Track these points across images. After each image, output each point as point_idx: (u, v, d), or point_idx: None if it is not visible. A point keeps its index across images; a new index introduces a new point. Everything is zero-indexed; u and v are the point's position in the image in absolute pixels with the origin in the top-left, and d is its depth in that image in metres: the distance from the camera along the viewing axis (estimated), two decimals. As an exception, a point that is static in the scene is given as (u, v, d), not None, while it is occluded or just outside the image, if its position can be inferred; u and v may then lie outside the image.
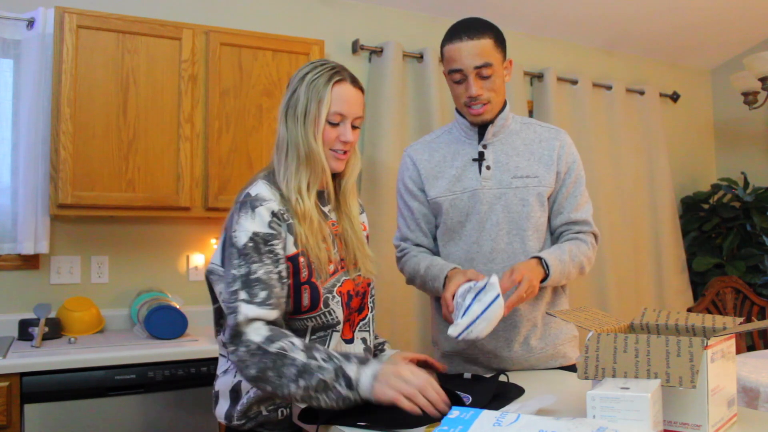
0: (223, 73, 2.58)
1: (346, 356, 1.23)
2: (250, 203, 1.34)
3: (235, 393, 1.39)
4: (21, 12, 2.50)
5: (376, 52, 3.16)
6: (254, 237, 1.30)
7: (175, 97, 2.50)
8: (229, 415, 1.39)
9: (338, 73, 1.39)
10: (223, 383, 1.43)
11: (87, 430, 2.04)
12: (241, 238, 1.31)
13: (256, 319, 1.25)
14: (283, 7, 3.06)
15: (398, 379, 1.17)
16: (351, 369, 1.20)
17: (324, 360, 1.20)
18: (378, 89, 3.11)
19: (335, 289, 1.39)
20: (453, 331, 1.40)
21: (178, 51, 2.51)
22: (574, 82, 3.74)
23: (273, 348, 1.21)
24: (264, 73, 2.64)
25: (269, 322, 1.27)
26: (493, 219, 1.67)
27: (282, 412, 1.38)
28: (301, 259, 1.34)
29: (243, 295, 1.26)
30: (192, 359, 2.19)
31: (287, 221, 1.35)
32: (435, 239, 1.80)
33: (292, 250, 1.34)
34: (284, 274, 1.32)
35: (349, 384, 1.18)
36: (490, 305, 1.37)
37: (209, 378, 2.15)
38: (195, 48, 2.54)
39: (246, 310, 1.25)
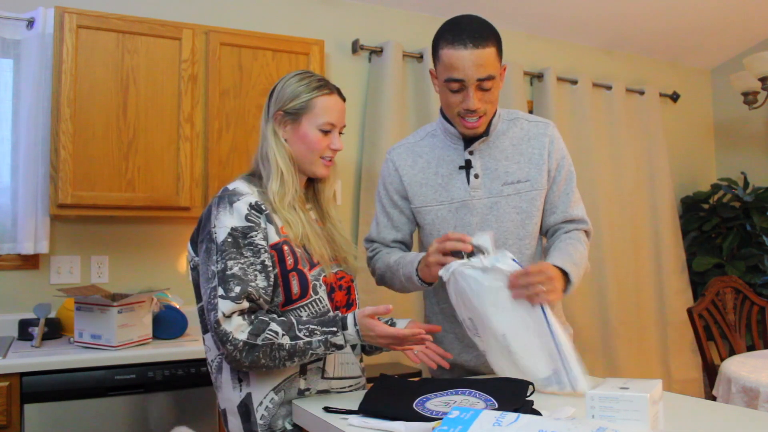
0: (223, 73, 2.58)
1: (325, 323, 1.32)
2: (228, 198, 1.36)
3: (245, 407, 1.37)
4: (21, 12, 2.50)
5: (376, 52, 3.16)
6: (233, 232, 1.32)
7: (175, 97, 2.50)
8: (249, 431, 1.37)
9: (326, 86, 1.46)
10: (227, 401, 1.41)
11: (87, 430, 2.04)
12: (220, 234, 1.33)
13: (233, 313, 1.28)
14: (283, 7, 3.06)
15: (382, 339, 1.32)
16: (338, 339, 1.31)
17: (307, 335, 1.30)
18: (378, 89, 3.11)
19: (321, 277, 1.41)
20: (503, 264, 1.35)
21: (178, 51, 2.51)
22: (574, 82, 3.74)
23: (259, 341, 1.27)
24: (264, 73, 2.64)
25: (244, 312, 1.29)
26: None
27: None
28: (285, 247, 1.36)
29: (220, 291, 1.29)
30: (192, 359, 2.19)
31: (265, 212, 1.37)
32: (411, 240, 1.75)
33: (274, 238, 1.36)
34: (268, 263, 1.34)
35: (340, 348, 1.32)
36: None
37: (209, 378, 2.15)
38: (195, 48, 2.54)
39: (222, 306, 1.28)
